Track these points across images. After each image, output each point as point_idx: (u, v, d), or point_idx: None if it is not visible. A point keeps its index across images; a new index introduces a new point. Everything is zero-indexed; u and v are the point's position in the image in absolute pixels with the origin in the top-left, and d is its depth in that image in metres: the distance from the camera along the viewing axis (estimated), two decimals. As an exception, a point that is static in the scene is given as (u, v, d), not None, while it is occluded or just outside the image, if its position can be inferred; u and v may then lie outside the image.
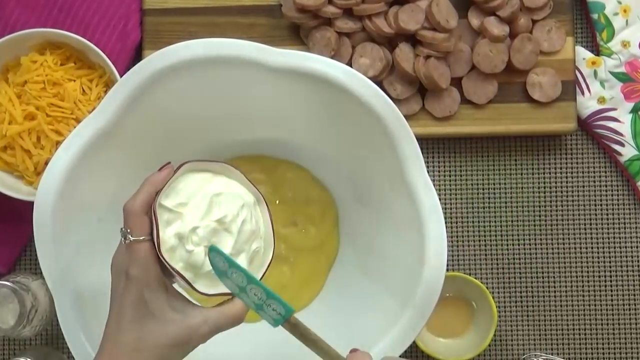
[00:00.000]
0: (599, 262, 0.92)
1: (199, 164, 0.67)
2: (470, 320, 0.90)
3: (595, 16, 0.91)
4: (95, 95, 0.88)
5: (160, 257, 0.63)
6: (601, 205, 0.92)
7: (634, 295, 0.91)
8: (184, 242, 0.63)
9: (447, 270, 0.87)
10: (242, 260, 0.65)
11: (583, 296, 0.92)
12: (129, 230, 0.63)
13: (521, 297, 0.92)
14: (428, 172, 0.75)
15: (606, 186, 0.92)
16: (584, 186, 0.92)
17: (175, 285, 0.67)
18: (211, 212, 0.65)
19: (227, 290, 0.64)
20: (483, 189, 0.92)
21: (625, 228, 0.92)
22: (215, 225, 0.64)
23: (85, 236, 0.77)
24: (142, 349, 0.61)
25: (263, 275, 0.67)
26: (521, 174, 0.92)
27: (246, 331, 0.82)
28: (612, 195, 0.92)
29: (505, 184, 0.92)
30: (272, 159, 0.88)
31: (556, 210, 0.92)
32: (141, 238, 0.63)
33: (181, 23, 0.91)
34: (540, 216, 0.92)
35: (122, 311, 0.62)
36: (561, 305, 0.91)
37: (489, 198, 0.92)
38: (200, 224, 0.64)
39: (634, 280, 0.92)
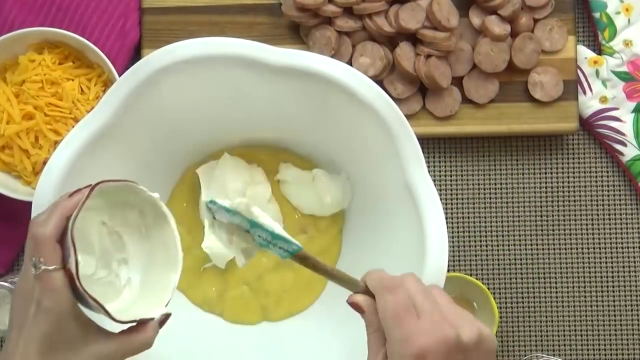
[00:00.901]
0: (600, 263, 0.92)
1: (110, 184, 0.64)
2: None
3: (597, 15, 0.91)
4: (93, 95, 0.88)
5: (78, 284, 0.59)
6: (603, 205, 0.92)
7: (636, 295, 0.91)
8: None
9: (448, 270, 0.87)
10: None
11: (585, 297, 0.91)
12: (40, 260, 0.59)
13: (522, 297, 0.91)
14: (429, 172, 0.74)
15: (608, 186, 0.92)
16: (585, 186, 0.92)
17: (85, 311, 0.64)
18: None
19: (140, 317, 0.63)
20: (484, 189, 0.92)
21: (627, 228, 0.92)
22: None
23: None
24: None
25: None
26: (522, 174, 0.92)
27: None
28: (614, 195, 0.92)
29: (506, 183, 0.92)
30: (272, 160, 0.88)
31: (558, 211, 0.92)
32: (52, 267, 0.59)
33: (180, 22, 0.91)
34: (541, 216, 0.92)
35: (29, 343, 0.59)
36: (563, 306, 0.91)
37: (490, 198, 0.92)
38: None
39: (636, 281, 0.91)
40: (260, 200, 0.85)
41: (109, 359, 0.62)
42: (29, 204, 0.74)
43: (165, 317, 0.64)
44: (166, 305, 0.64)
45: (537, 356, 0.89)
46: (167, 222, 0.67)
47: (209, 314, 0.86)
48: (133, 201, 0.66)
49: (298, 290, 0.86)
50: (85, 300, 0.61)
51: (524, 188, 0.92)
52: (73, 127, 0.75)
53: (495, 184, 0.92)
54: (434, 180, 0.81)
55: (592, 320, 0.91)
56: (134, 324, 0.63)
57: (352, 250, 0.87)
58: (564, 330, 0.91)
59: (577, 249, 0.92)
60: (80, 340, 0.61)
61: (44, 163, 0.85)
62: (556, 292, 0.91)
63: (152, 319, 0.63)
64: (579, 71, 0.91)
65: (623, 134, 0.90)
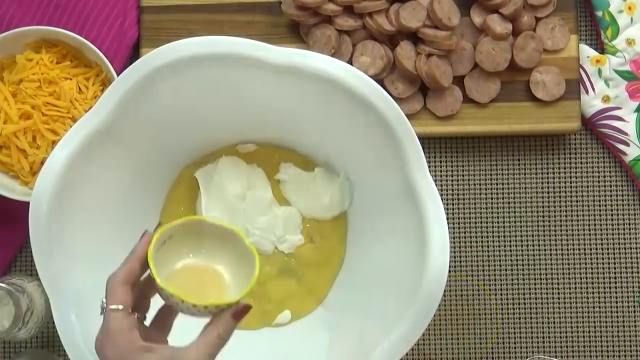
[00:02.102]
0: (603, 263, 0.91)
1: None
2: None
3: (599, 13, 0.91)
4: (91, 94, 0.87)
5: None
6: (606, 205, 0.92)
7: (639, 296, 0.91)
8: None
9: (449, 271, 0.87)
10: None
11: (587, 298, 0.91)
12: (103, 300, 0.63)
13: (524, 298, 0.91)
14: (430, 171, 0.74)
15: (611, 186, 0.92)
16: (588, 186, 0.92)
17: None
18: None
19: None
20: (485, 189, 0.92)
21: (630, 229, 0.91)
22: None
23: (84, 237, 0.77)
24: None
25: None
26: (524, 174, 0.92)
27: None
28: (616, 195, 0.92)
29: (508, 183, 0.92)
30: (272, 160, 0.88)
31: (560, 211, 0.92)
32: (113, 307, 0.62)
33: (179, 21, 0.91)
34: (543, 216, 0.92)
35: None
36: (565, 307, 0.91)
37: (491, 198, 0.92)
38: None
39: (639, 281, 0.91)
40: (261, 205, 0.85)
41: None
42: (26, 205, 0.75)
43: (244, 309, 0.64)
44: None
45: (538, 358, 0.89)
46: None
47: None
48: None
49: (300, 297, 0.86)
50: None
51: (525, 188, 0.92)
52: (71, 126, 0.75)
53: (497, 184, 0.92)
54: (435, 180, 0.81)
55: (594, 322, 0.91)
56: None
57: (355, 253, 0.87)
58: (566, 332, 0.91)
59: (579, 249, 0.92)
60: None
61: (42, 163, 0.85)
62: (558, 293, 0.91)
63: (231, 304, 0.63)
64: (581, 70, 0.90)
65: (626, 134, 0.90)
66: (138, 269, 0.64)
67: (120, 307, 0.62)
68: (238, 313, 0.63)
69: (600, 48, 0.92)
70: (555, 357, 0.91)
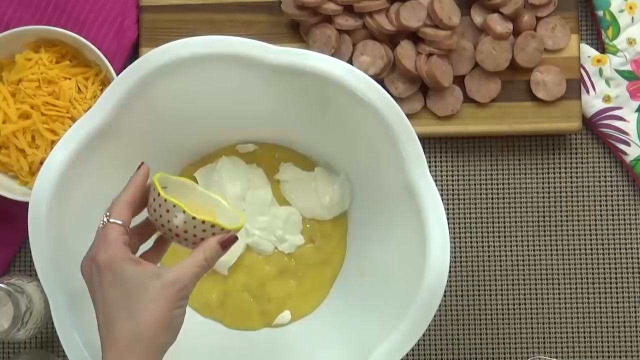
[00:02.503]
0: (603, 263, 0.91)
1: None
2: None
3: (600, 13, 0.90)
4: (91, 94, 0.87)
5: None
6: (606, 205, 0.91)
7: (640, 297, 0.91)
8: None
9: (450, 271, 0.87)
10: None
11: (588, 298, 0.91)
12: (107, 214, 0.66)
13: (524, 298, 0.91)
14: (430, 171, 0.74)
15: (612, 186, 0.92)
16: (588, 186, 0.92)
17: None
18: None
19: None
20: (486, 189, 0.92)
21: (630, 229, 0.91)
22: None
23: (83, 237, 0.77)
24: (141, 332, 0.62)
25: None
26: (525, 174, 0.92)
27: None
28: (617, 195, 0.91)
29: (508, 183, 0.92)
30: (272, 159, 0.87)
31: (560, 211, 0.91)
32: (114, 220, 0.65)
33: (179, 20, 0.91)
34: (544, 216, 0.91)
35: (105, 302, 0.64)
36: (566, 307, 0.91)
37: (492, 198, 0.92)
38: None
39: (639, 282, 0.91)
40: (261, 205, 0.85)
41: (178, 284, 0.64)
42: (25, 205, 0.74)
43: (230, 238, 0.67)
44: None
45: (539, 358, 0.88)
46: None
47: (209, 319, 0.86)
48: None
49: (300, 297, 0.86)
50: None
51: (526, 188, 0.92)
52: (70, 126, 0.75)
53: (497, 184, 0.92)
54: (436, 181, 0.81)
55: (594, 322, 0.91)
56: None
57: (356, 253, 0.86)
58: (566, 332, 0.91)
59: (579, 249, 0.91)
60: (145, 279, 0.63)
61: (41, 163, 0.84)
62: (558, 293, 0.91)
63: (224, 229, 0.67)
64: (582, 70, 0.90)
65: (627, 134, 0.90)
66: (139, 194, 0.68)
67: (120, 222, 0.66)
68: (226, 241, 0.67)
69: (601, 48, 0.92)
70: (556, 357, 0.91)
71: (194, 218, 0.66)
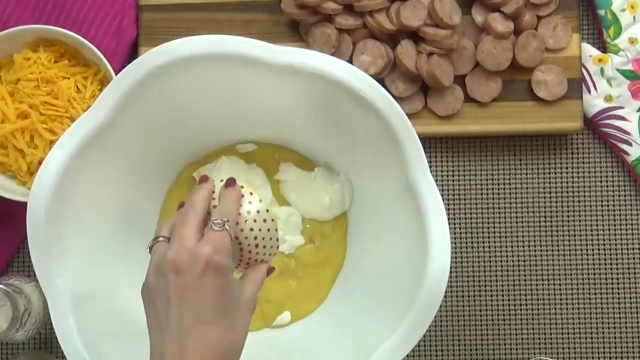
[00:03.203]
0: (605, 264, 0.91)
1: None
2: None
3: (601, 12, 0.90)
4: (90, 94, 0.87)
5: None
6: (608, 205, 0.91)
7: (641, 297, 0.91)
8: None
9: (450, 271, 0.86)
10: None
11: (589, 298, 0.91)
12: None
13: (526, 299, 0.91)
14: (431, 171, 0.74)
15: (613, 186, 0.91)
16: (590, 186, 0.91)
17: None
18: None
19: None
20: (487, 189, 0.92)
21: (632, 229, 0.91)
22: None
23: (82, 237, 0.77)
24: (239, 341, 0.63)
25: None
26: (526, 174, 0.92)
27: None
28: (619, 195, 0.91)
29: (509, 183, 0.92)
30: (271, 159, 0.87)
31: (562, 211, 0.91)
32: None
33: (178, 19, 0.91)
34: (545, 217, 0.91)
35: (200, 305, 0.60)
36: (567, 308, 0.91)
37: (493, 198, 0.92)
38: None
39: (641, 282, 0.91)
40: None
41: (254, 302, 0.65)
42: (23, 205, 0.74)
43: (270, 269, 0.69)
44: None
45: (541, 359, 0.88)
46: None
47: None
48: None
49: (300, 298, 0.86)
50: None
51: (527, 188, 0.92)
52: (69, 126, 0.75)
53: (498, 184, 0.92)
54: (436, 180, 0.81)
55: (597, 323, 0.91)
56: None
57: (356, 254, 0.86)
58: (568, 333, 0.91)
59: (581, 249, 0.91)
60: (239, 291, 0.64)
61: (40, 163, 0.84)
62: (560, 294, 0.91)
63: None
64: (583, 69, 0.90)
65: (628, 133, 0.90)
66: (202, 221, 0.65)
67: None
68: (269, 270, 0.69)
69: (603, 47, 0.91)
70: (557, 358, 0.90)
71: (267, 210, 0.67)
